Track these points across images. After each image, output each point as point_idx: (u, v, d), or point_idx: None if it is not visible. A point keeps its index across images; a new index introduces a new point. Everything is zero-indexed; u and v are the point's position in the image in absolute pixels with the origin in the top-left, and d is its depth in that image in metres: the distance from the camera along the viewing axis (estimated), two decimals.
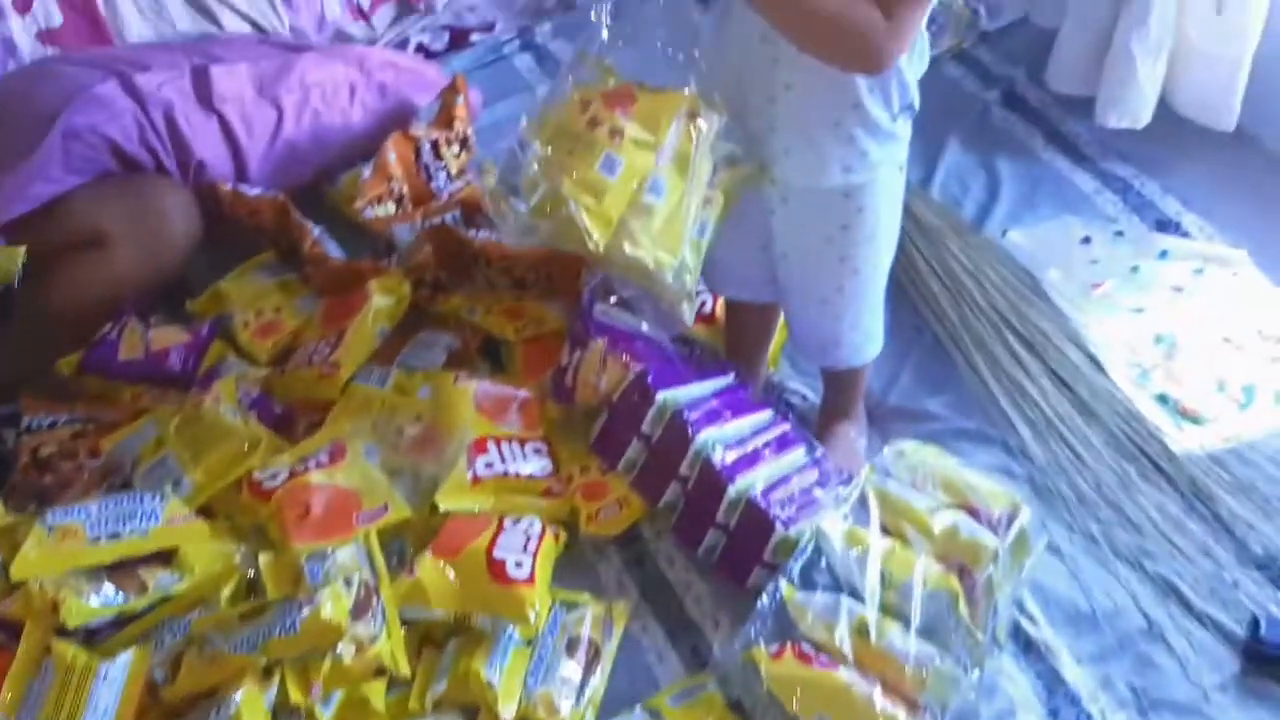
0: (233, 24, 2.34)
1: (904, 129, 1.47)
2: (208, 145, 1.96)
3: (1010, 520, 1.49)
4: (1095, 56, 2.22)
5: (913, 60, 1.39)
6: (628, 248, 1.39)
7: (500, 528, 1.49)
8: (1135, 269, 2.03)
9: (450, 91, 2.16)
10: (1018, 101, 2.41)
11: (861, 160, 1.45)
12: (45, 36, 2.21)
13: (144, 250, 1.87)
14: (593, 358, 1.63)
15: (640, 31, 1.44)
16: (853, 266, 1.56)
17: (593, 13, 1.42)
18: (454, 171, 2.12)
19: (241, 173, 2.02)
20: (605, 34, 1.38)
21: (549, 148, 1.37)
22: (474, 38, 2.57)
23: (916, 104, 1.44)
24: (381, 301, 1.76)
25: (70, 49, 2.22)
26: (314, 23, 2.43)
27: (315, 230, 1.91)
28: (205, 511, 1.54)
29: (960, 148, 2.31)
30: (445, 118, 2.13)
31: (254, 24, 2.36)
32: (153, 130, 1.91)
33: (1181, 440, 1.77)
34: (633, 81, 1.40)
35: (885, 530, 1.48)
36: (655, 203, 1.39)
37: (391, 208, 2.03)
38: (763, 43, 1.37)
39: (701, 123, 1.41)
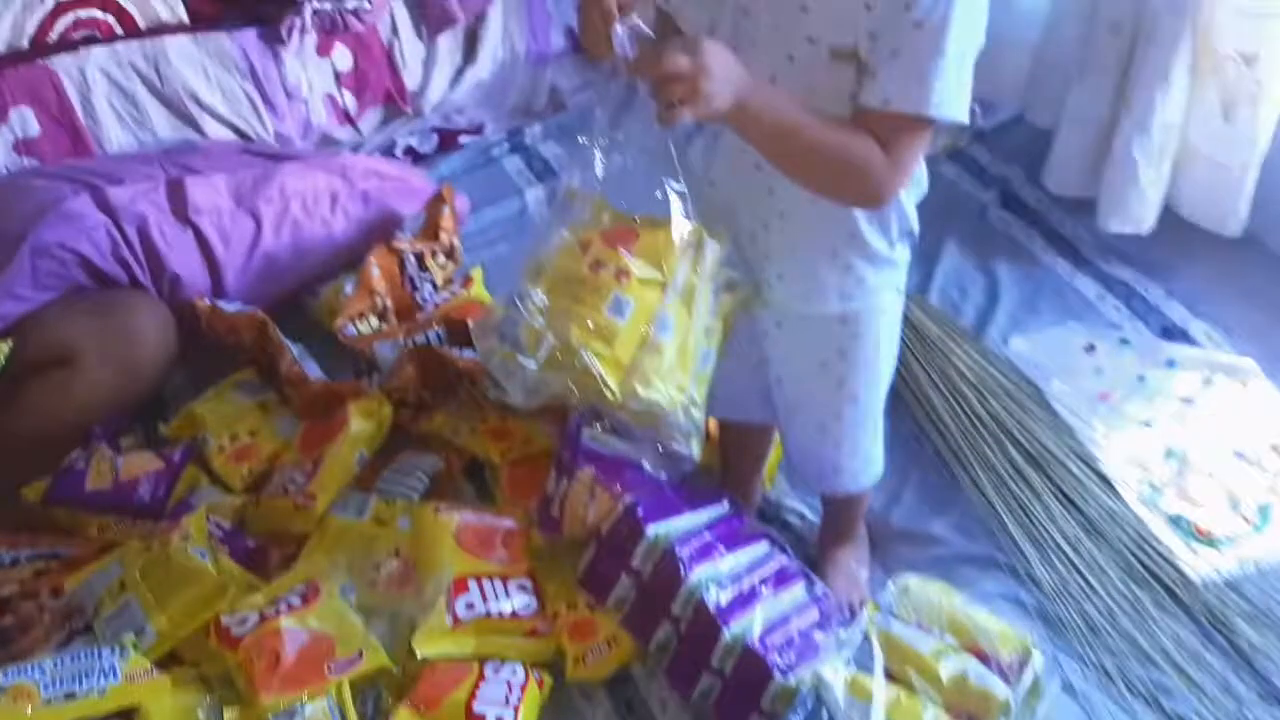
0: (215, 131, 2.30)
1: (903, 254, 1.41)
2: (182, 259, 1.91)
3: (1022, 666, 1.41)
4: (1095, 158, 2.19)
5: (911, 188, 1.34)
6: (641, 390, 1.30)
7: (481, 677, 1.41)
8: (1142, 379, 1.97)
9: (436, 202, 2.11)
10: (1016, 202, 2.37)
11: (859, 287, 1.39)
12: (22, 146, 2.16)
13: (116, 369, 1.80)
14: (580, 488, 1.56)
15: (629, 156, 1.38)
16: (850, 392, 1.50)
17: (594, 135, 1.36)
18: (440, 282, 2.06)
19: (218, 286, 1.97)
20: (599, 168, 1.32)
21: (551, 296, 1.30)
22: (463, 140, 2.53)
23: (916, 230, 1.39)
24: (360, 426, 1.69)
25: (48, 159, 2.17)
26: (299, 128, 2.39)
27: (294, 349, 1.85)
28: (172, 657, 1.46)
29: (958, 250, 2.26)
30: (430, 229, 2.08)
31: (237, 130, 2.32)
32: (125, 244, 1.86)
33: (1196, 564, 1.69)
34: (628, 214, 1.34)
35: (890, 676, 1.40)
36: (664, 340, 1.32)
37: (375, 322, 1.97)
38: (757, 170, 1.32)
39: (707, 253, 1.34)
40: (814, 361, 1.47)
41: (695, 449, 1.40)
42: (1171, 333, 2.07)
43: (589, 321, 1.28)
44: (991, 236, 2.30)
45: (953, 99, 1.18)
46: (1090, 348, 2.04)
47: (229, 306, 1.92)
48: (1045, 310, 2.14)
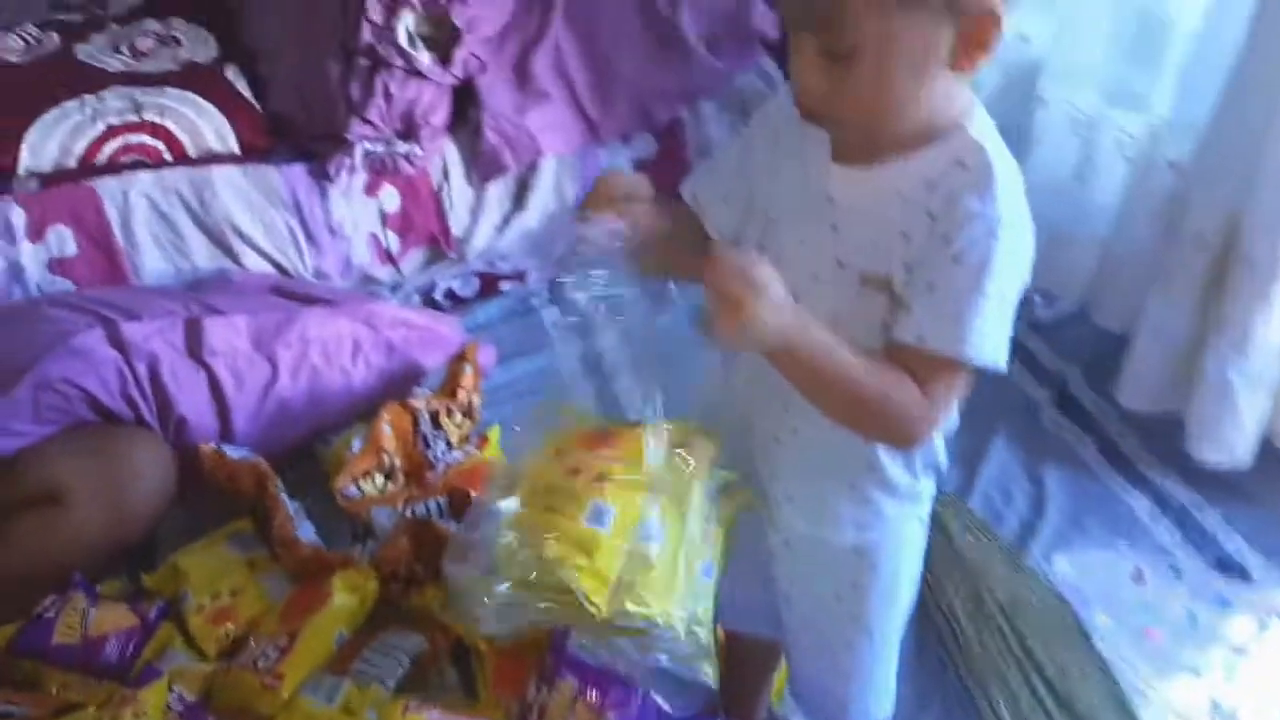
0: (254, 263, 2.27)
1: (927, 487, 1.30)
2: (191, 400, 1.86)
3: None
4: (1178, 375, 2.04)
5: None
6: (630, 606, 1.17)
7: None
8: (1193, 618, 1.82)
9: (458, 360, 2.05)
10: (1071, 404, 2.24)
11: (877, 518, 1.28)
12: (56, 266, 2.14)
13: (107, 509, 1.73)
14: (560, 700, 1.44)
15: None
16: (864, 625, 1.37)
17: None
18: (455, 440, 1.98)
19: (227, 429, 1.90)
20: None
21: (526, 508, 1.19)
22: (504, 286, 2.48)
23: (944, 464, 1.29)
24: (343, 601, 1.60)
25: (82, 281, 2.16)
26: (339, 266, 2.35)
27: (290, 506, 1.77)
28: None
29: (1005, 451, 2.14)
30: (450, 388, 2.01)
31: (276, 264, 2.29)
32: (134, 382, 1.81)
33: None
34: (606, 419, 1.25)
35: None
36: (653, 549, 1.19)
37: (380, 480, 1.88)
38: (775, 386, 1.23)
39: (698, 453, 1.23)
40: (825, 591, 1.35)
41: (709, 674, 1.27)
42: (1226, 565, 1.92)
43: (566, 532, 1.16)
44: (1043, 439, 2.17)
45: (991, 342, 1.08)
46: (1139, 575, 1.90)
47: (234, 453, 1.86)
48: (1093, 527, 2.00)
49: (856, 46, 1.01)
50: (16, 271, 2.12)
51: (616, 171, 1.19)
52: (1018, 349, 2.39)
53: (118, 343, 1.81)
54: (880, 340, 1.14)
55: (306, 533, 1.76)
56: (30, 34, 2.44)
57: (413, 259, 2.44)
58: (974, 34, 1.03)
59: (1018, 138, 2.34)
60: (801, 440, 1.26)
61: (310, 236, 2.30)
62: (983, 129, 1.11)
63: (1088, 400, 2.24)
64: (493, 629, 1.19)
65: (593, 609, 1.16)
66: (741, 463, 1.32)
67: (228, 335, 1.89)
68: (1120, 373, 2.13)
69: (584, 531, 1.17)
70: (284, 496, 1.79)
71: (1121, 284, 2.20)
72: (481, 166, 2.36)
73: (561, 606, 1.18)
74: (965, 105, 1.12)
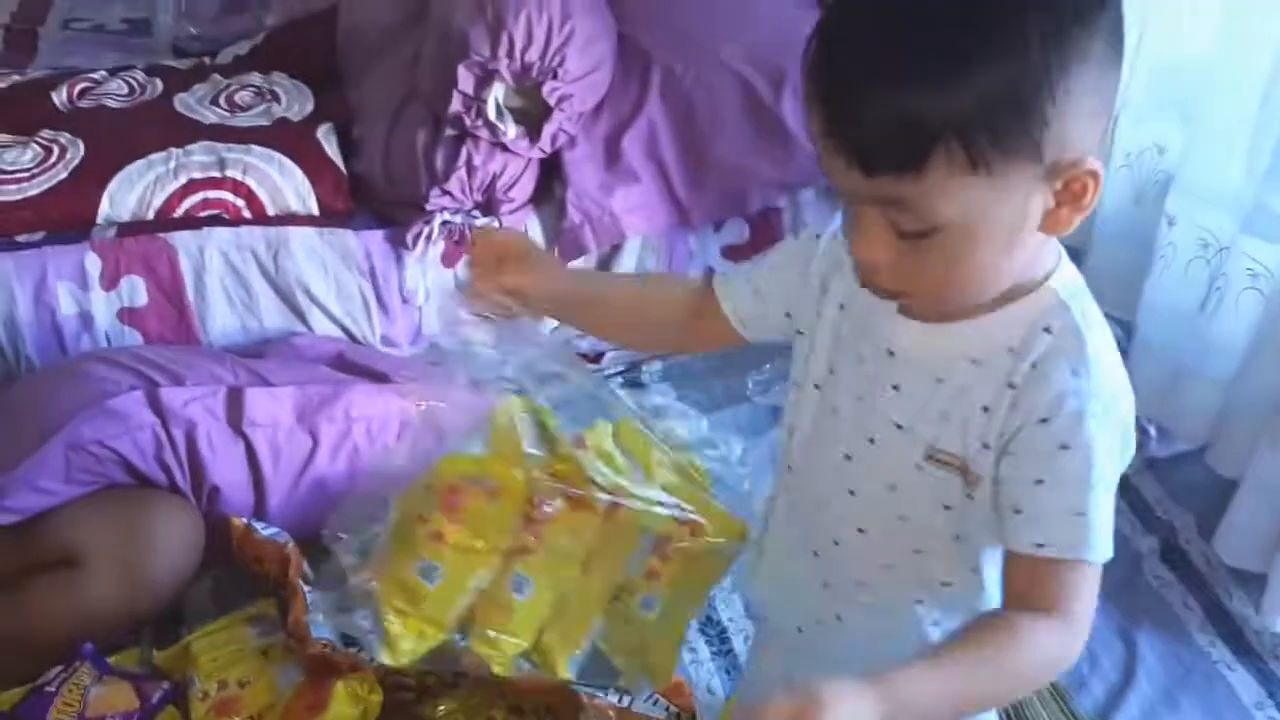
0: (322, 326, 2.21)
1: None
2: (225, 471, 1.79)
3: None
4: (1277, 533, 1.84)
5: None
6: (475, 645, 1.29)
7: None
8: None
9: None
10: (1178, 558, 2.02)
11: None
12: (126, 315, 2.12)
13: (124, 578, 1.67)
14: None
15: None
16: None
17: None
18: None
19: (260, 503, 1.84)
20: None
21: (395, 528, 1.29)
22: None
23: None
24: (339, 713, 1.50)
25: (150, 333, 2.13)
26: (409, 334, 2.28)
27: (310, 598, 1.69)
28: None
29: (1099, 606, 1.92)
30: None
31: (344, 329, 2.23)
32: (170, 448, 1.76)
33: None
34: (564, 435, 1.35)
35: None
36: (517, 599, 1.28)
37: None
38: (809, 570, 1.11)
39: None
40: None
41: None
42: None
43: (396, 575, 1.26)
44: (1143, 596, 1.96)
45: (1109, 535, 0.94)
46: None
47: (265, 530, 1.78)
48: (1187, 706, 1.78)
49: (938, 226, 0.87)
50: (87, 320, 2.10)
51: (488, 231, 1.18)
52: (1126, 488, 2.19)
53: (156, 407, 1.76)
54: (941, 519, 1.01)
55: (320, 629, 1.67)
56: (136, 80, 2.45)
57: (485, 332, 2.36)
58: (1072, 194, 0.88)
59: (1142, 256, 2.15)
60: (843, 628, 1.12)
61: (381, 303, 2.24)
62: (1070, 287, 0.97)
63: (1197, 553, 2.02)
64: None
65: (387, 657, 1.28)
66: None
67: (270, 407, 1.83)
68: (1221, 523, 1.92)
69: (412, 581, 1.26)
70: (304, 587, 1.70)
71: (1242, 428, 1.99)
72: (562, 245, 2.27)
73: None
74: (1051, 260, 0.97)
